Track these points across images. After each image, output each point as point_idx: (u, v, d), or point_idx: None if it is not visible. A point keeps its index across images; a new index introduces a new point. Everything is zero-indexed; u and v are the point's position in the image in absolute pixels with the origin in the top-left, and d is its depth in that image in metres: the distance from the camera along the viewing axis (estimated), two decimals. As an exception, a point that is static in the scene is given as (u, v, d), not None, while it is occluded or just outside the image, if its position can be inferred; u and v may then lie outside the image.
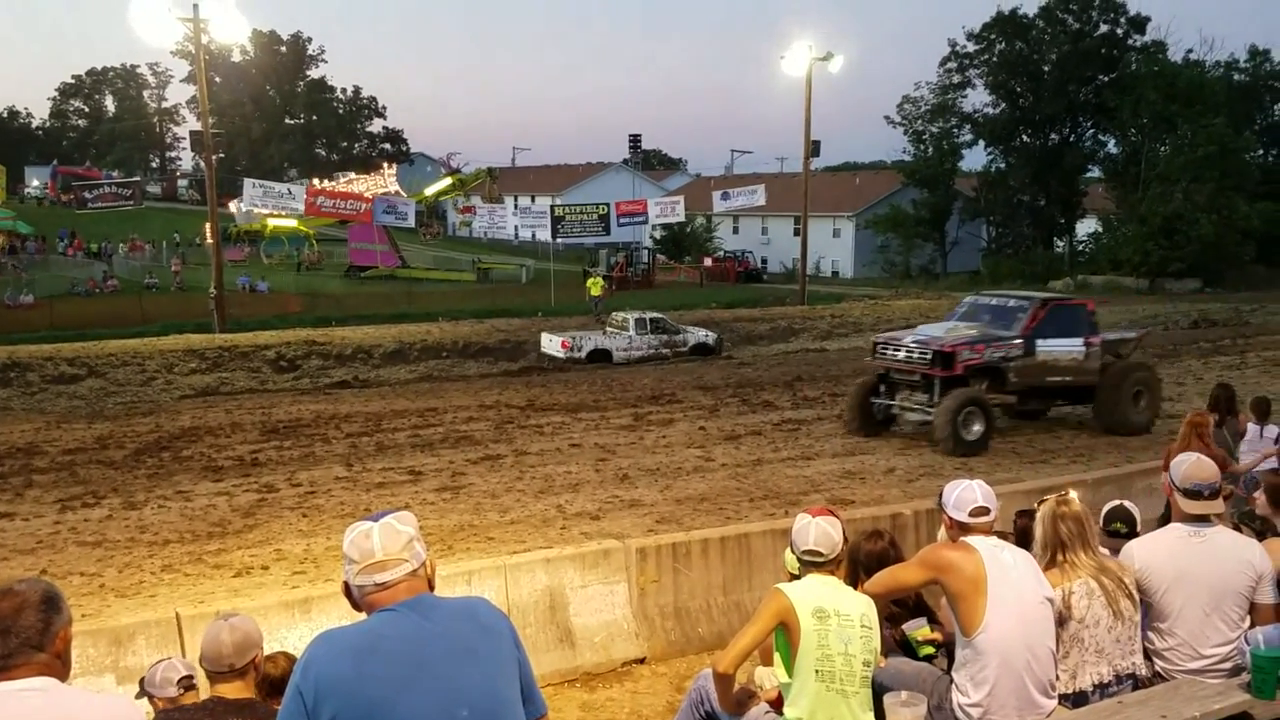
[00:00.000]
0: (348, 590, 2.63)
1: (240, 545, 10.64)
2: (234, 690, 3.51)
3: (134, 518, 11.75)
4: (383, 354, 27.83)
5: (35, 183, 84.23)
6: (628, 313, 28.78)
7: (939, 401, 14.50)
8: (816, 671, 3.76)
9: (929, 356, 14.70)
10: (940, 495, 4.15)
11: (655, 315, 28.88)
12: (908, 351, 15.12)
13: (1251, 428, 9.39)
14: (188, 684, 3.92)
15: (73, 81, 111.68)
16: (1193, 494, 4.23)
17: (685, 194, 53.07)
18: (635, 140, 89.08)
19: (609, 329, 28.49)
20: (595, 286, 38.04)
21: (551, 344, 27.51)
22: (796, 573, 4.15)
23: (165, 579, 9.60)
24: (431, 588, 2.66)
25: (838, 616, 3.80)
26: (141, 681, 3.99)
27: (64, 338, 28.81)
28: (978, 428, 14.22)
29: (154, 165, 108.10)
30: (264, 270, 50.90)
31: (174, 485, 13.29)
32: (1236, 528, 4.62)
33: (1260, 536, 4.61)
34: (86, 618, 7.88)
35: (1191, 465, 4.30)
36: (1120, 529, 4.82)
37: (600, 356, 26.78)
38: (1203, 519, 4.23)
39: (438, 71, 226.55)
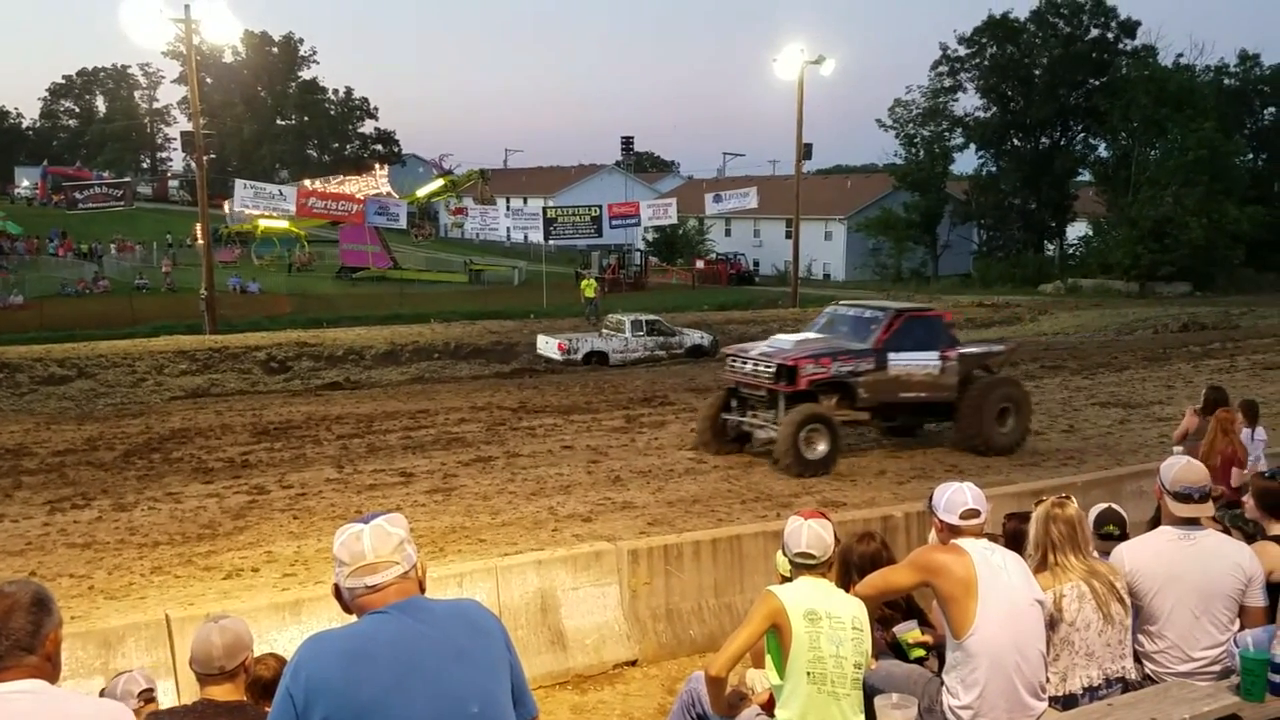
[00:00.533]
0: (338, 593, 2.63)
1: (230, 547, 10.61)
2: (224, 693, 3.50)
3: (124, 519, 11.70)
4: (374, 355, 27.79)
5: (25, 183, 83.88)
6: (624, 315, 28.79)
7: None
8: (808, 673, 3.77)
9: (773, 370, 13.82)
10: (930, 498, 4.16)
11: (651, 317, 28.89)
12: (754, 365, 14.24)
13: (1242, 431, 9.43)
14: (148, 696, 3.91)
15: (63, 82, 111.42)
16: (1183, 497, 4.24)
17: (677, 196, 53.14)
18: (628, 142, 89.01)
19: (605, 331, 28.50)
20: (589, 288, 38.07)
21: (548, 346, 27.50)
22: (788, 574, 4.16)
23: (155, 581, 9.57)
24: (422, 590, 2.66)
25: (829, 619, 3.81)
26: (102, 693, 3.99)
27: (54, 339, 28.70)
28: (822, 447, 13.31)
29: (145, 166, 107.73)
30: (255, 271, 50.78)
31: (164, 487, 13.25)
32: (1226, 531, 4.63)
33: (1250, 539, 4.63)
34: (76, 620, 7.86)
35: (1182, 468, 4.32)
36: (1113, 531, 4.84)
37: (596, 359, 26.79)
38: (1192, 522, 4.24)
39: (430, 73, 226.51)
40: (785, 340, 15.03)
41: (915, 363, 14.23)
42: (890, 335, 14.26)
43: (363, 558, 2.57)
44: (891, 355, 14.13)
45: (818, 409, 13.59)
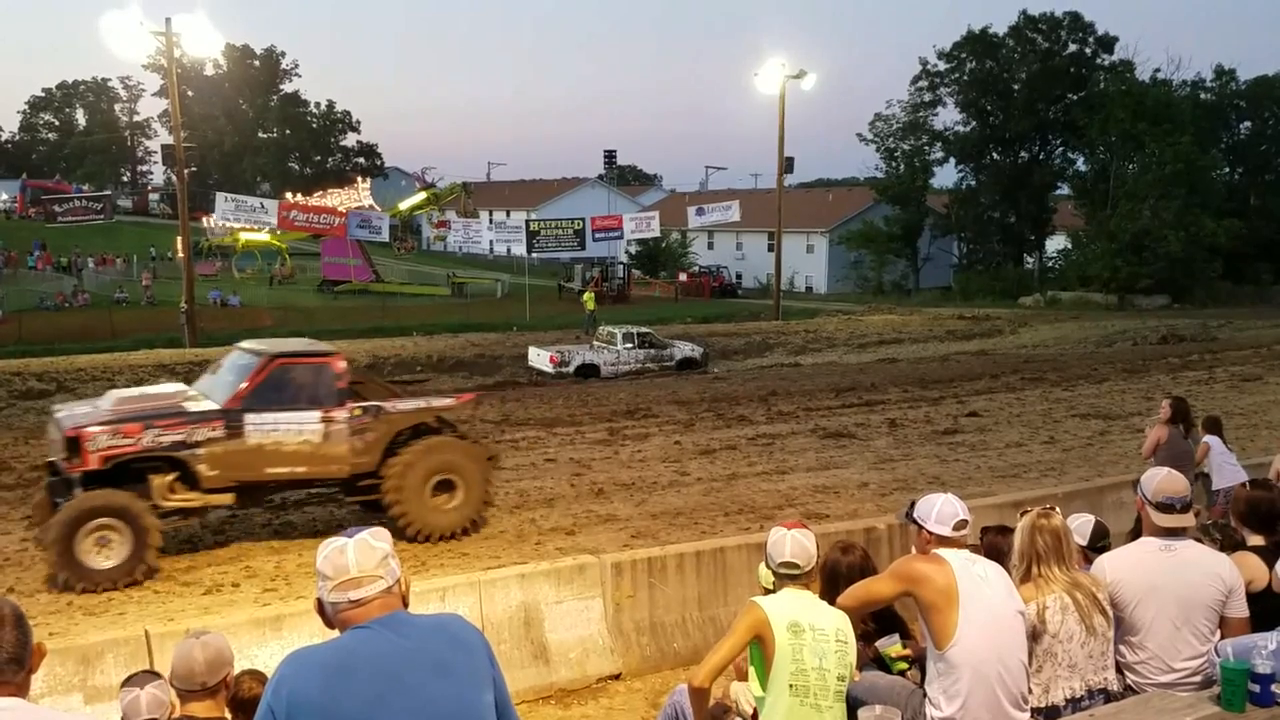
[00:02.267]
0: (321, 607, 2.61)
1: (210, 562, 10.53)
2: (204, 709, 3.47)
3: (102, 535, 11.57)
4: (356, 368, 27.64)
5: (3, 196, 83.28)
6: (615, 327, 28.80)
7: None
8: (791, 686, 3.77)
9: (62, 442, 9.98)
10: (910, 510, 4.16)
11: (643, 330, 28.90)
12: (54, 432, 10.45)
13: (1215, 440, 9.52)
14: None
15: (43, 95, 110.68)
16: (1165, 507, 4.27)
17: (660, 209, 53.25)
18: (610, 156, 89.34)
19: (597, 343, 28.48)
20: (590, 301, 38.06)
21: (540, 359, 27.44)
22: (771, 587, 4.15)
23: (134, 596, 9.48)
24: (406, 605, 2.65)
25: (812, 631, 3.81)
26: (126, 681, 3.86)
27: (32, 352, 28.50)
28: (112, 560, 9.48)
29: (125, 179, 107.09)
30: (236, 284, 50.54)
31: (143, 502, 13.11)
32: (1198, 540, 4.66)
33: (1225, 547, 4.66)
34: (54, 636, 7.78)
35: (1164, 479, 4.35)
36: (1106, 546, 4.86)
37: (589, 371, 26.78)
38: (1175, 532, 4.27)
39: (413, 86, 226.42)
40: (112, 396, 10.98)
41: (287, 426, 10.56)
42: (254, 389, 10.59)
43: (346, 572, 2.55)
44: (251, 417, 10.41)
45: (113, 499, 9.66)
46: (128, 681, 3.81)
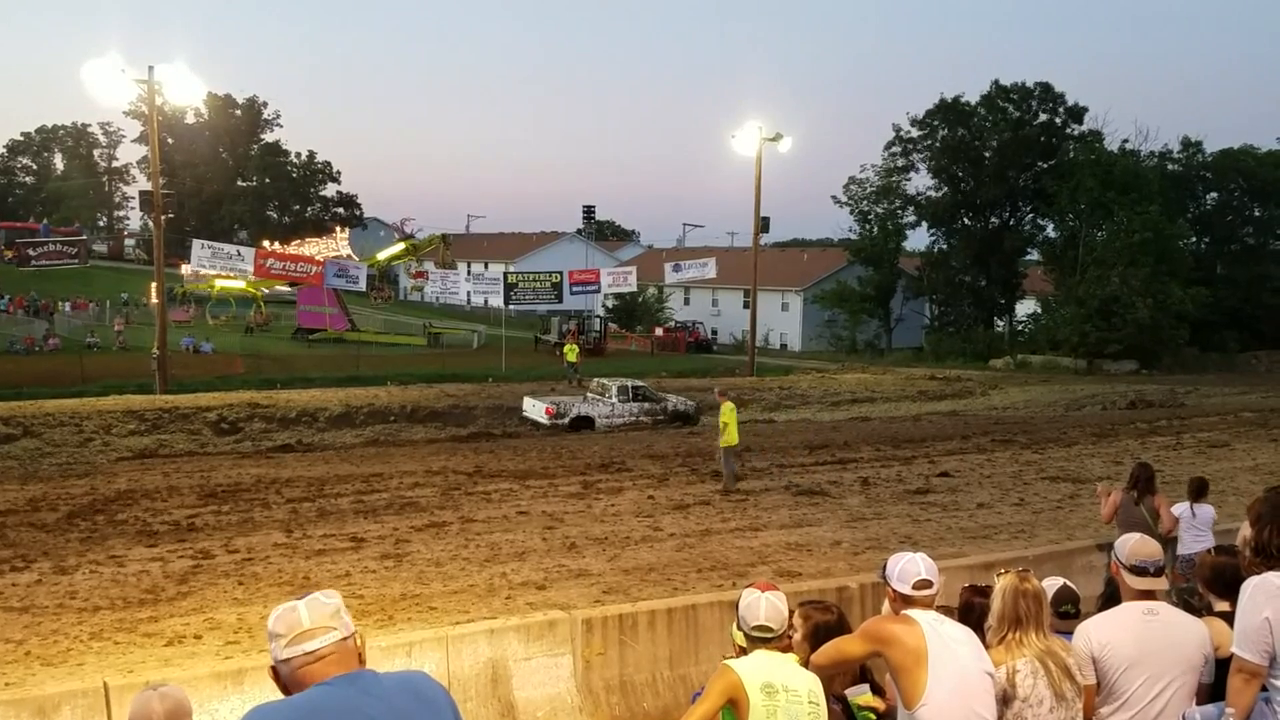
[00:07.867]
0: (276, 674, 2.55)
1: (173, 613, 10.34)
2: (163, 765, 3.38)
3: (64, 583, 11.38)
4: (328, 417, 27.46)
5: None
6: (609, 380, 28.88)
7: None
8: (763, 748, 3.73)
9: None
10: (883, 567, 4.20)
11: (637, 383, 29.02)
12: None
13: (1183, 509, 9.55)
14: None
15: (21, 138, 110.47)
16: (1139, 570, 4.32)
17: (638, 265, 53.57)
18: (589, 211, 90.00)
19: (590, 395, 28.50)
20: (571, 353, 38.08)
21: (535, 409, 27.41)
22: (745, 645, 4.13)
23: (94, 647, 9.28)
24: (362, 662, 2.60)
25: (786, 692, 3.79)
26: None
27: (-2, 396, 28.07)
28: None
29: (101, 224, 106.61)
30: (209, 331, 50.21)
31: (107, 550, 12.92)
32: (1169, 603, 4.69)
33: (1189, 611, 4.69)
34: (10, 686, 7.61)
35: (1137, 543, 4.41)
36: (1070, 610, 4.88)
37: (583, 424, 26.77)
38: (1150, 595, 4.31)
39: (394, 138, 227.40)
40: None
41: None
42: None
43: (299, 625, 2.51)
44: None
45: None
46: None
